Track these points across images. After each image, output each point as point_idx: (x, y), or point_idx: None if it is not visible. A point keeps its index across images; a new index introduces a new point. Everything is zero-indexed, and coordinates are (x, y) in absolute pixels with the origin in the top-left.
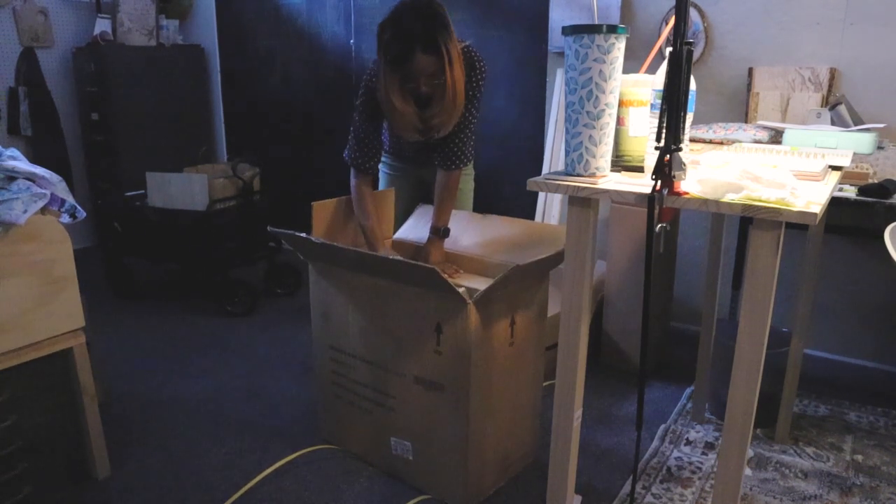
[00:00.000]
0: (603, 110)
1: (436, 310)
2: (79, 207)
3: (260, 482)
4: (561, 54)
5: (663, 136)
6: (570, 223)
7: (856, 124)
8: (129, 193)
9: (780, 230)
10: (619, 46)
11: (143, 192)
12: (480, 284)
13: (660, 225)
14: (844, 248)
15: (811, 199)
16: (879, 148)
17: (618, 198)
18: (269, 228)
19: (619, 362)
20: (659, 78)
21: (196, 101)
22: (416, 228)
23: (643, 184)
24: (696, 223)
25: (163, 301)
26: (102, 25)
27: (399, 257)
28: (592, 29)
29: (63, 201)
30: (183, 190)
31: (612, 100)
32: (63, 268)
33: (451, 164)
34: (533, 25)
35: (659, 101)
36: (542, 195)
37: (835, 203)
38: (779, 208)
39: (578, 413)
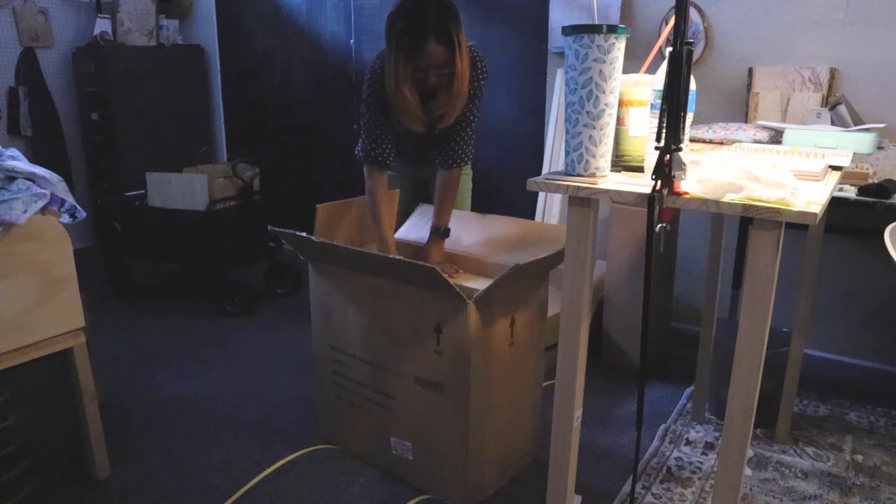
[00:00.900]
0: (603, 110)
1: (436, 310)
2: (79, 207)
3: (260, 482)
4: (561, 54)
5: (663, 136)
6: (570, 223)
7: (856, 124)
8: (129, 193)
9: (780, 230)
10: (619, 46)
11: (143, 192)
12: (480, 284)
13: (660, 225)
14: (844, 248)
15: (811, 199)
16: (879, 148)
17: (618, 198)
18: (269, 228)
19: (619, 362)
20: (659, 78)
21: (196, 101)
22: (416, 228)
23: (643, 184)
24: (696, 223)
25: (163, 301)
26: (102, 25)
27: (399, 257)
28: (592, 29)
29: (63, 201)
30: (183, 190)
31: (612, 100)
32: (63, 268)
33: (451, 164)
34: (533, 25)
35: (659, 101)
36: (542, 195)
37: (835, 203)
38: (779, 208)
39: (578, 413)
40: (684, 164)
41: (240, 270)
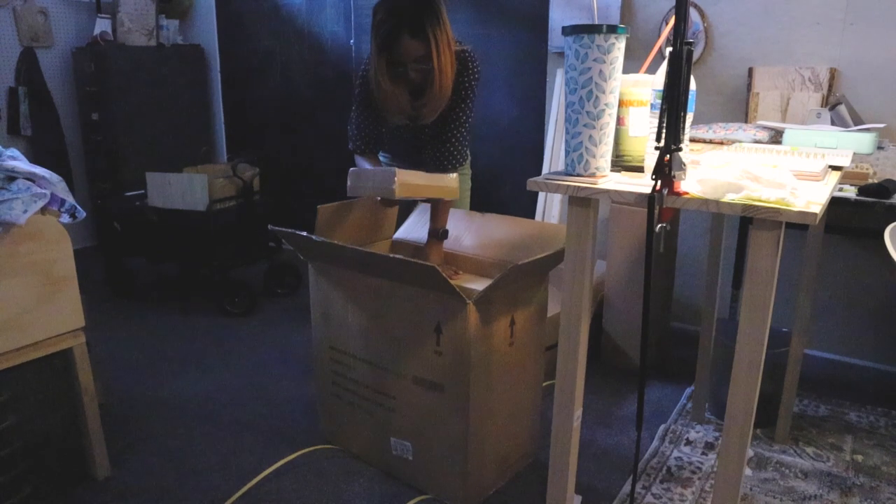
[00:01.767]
0: (603, 110)
1: (436, 310)
2: (79, 207)
3: (260, 482)
4: (561, 54)
5: (663, 136)
6: (570, 223)
7: (856, 124)
8: (129, 193)
9: (780, 230)
10: (619, 46)
11: (143, 192)
12: (480, 284)
13: (660, 225)
14: (844, 248)
15: (811, 199)
16: (879, 148)
17: (618, 198)
18: (269, 227)
19: (619, 362)
20: (659, 78)
21: (196, 101)
22: (416, 228)
23: (643, 184)
24: (696, 223)
25: (163, 301)
26: (102, 25)
27: (399, 256)
28: (592, 29)
29: (63, 201)
30: (183, 190)
31: (612, 100)
32: (63, 268)
33: (445, 166)
34: (533, 25)
35: (659, 101)
36: (542, 195)
37: (835, 203)
38: (779, 208)
39: (578, 413)
40: (684, 164)
41: (240, 270)
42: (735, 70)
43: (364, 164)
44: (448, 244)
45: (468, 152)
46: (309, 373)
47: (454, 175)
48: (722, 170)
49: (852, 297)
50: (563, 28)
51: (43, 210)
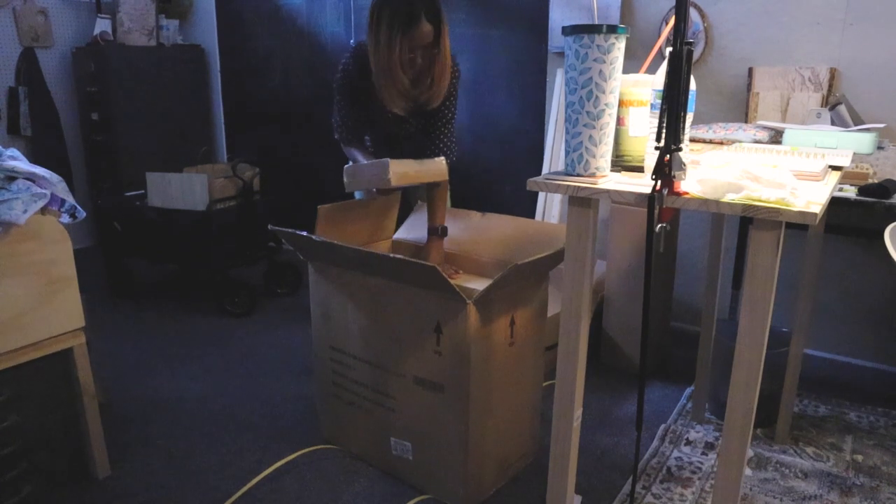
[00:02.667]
0: (603, 110)
1: (436, 310)
2: (79, 207)
3: (260, 482)
4: (561, 54)
5: (663, 136)
6: (570, 223)
7: (856, 124)
8: (129, 193)
9: (780, 230)
10: (619, 46)
11: (143, 192)
12: (480, 284)
13: (660, 225)
14: (844, 248)
15: (811, 199)
16: (879, 148)
17: (618, 198)
18: (269, 227)
19: (619, 362)
20: (659, 78)
21: (196, 101)
22: (415, 228)
23: (643, 184)
24: (696, 223)
25: (163, 301)
26: (102, 25)
27: (400, 256)
28: (592, 29)
29: (63, 201)
30: (183, 190)
31: (612, 100)
32: (63, 268)
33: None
34: (533, 25)
35: (659, 101)
36: (542, 195)
37: (835, 203)
38: (779, 208)
39: (578, 413)
40: (684, 164)
41: (240, 270)
42: (735, 70)
43: (354, 153)
44: (448, 244)
45: (457, 149)
46: (309, 373)
47: (442, 158)
48: (722, 170)
49: (852, 297)
50: (563, 28)
51: (43, 210)
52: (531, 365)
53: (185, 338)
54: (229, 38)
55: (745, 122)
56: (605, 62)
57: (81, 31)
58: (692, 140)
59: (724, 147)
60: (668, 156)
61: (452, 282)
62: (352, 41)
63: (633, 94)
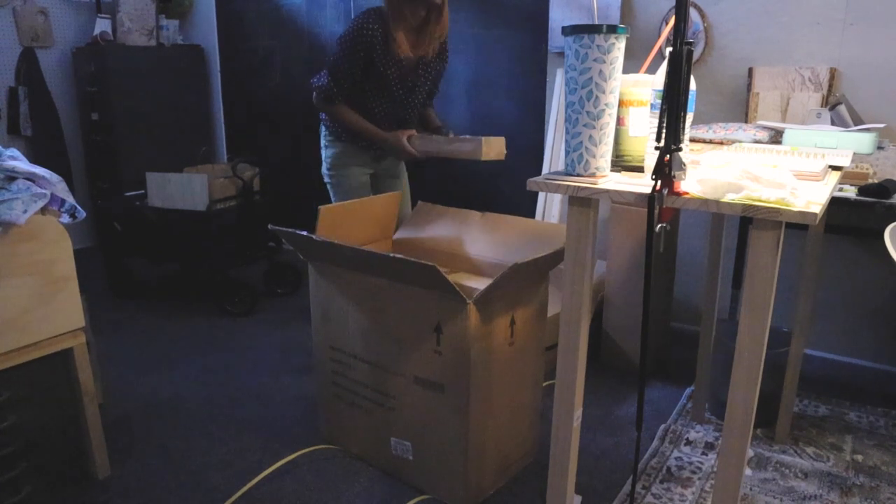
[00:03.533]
0: (603, 110)
1: (436, 310)
2: (79, 207)
3: (260, 482)
4: (561, 54)
5: (663, 136)
6: (570, 223)
7: (856, 124)
8: (129, 193)
9: (780, 230)
10: (619, 46)
11: (143, 192)
12: (480, 284)
13: (660, 225)
14: (844, 248)
15: (811, 199)
16: (879, 148)
17: (618, 198)
18: (269, 227)
19: (619, 362)
20: (659, 78)
21: (196, 101)
22: (415, 228)
23: (643, 184)
24: (696, 223)
25: (163, 301)
26: (102, 25)
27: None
28: (592, 29)
29: (63, 201)
30: (183, 190)
31: (612, 100)
32: (63, 268)
33: (431, 102)
34: (533, 25)
35: (659, 101)
36: (542, 195)
37: (835, 203)
38: (779, 208)
39: (578, 413)
40: (684, 164)
41: (240, 270)
42: (735, 70)
43: (346, 111)
44: (448, 244)
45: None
46: (309, 373)
47: (502, 137)
48: (722, 170)
49: (852, 297)
50: (563, 28)
51: (43, 210)
52: (531, 365)
53: (185, 338)
54: (229, 38)
55: (745, 122)
56: (605, 62)
57: (81, 31)
58: (692, 140)
59: (724, 147)
60: (668, 156)
61: (453, 281)
62: None
63: (633, 94)
